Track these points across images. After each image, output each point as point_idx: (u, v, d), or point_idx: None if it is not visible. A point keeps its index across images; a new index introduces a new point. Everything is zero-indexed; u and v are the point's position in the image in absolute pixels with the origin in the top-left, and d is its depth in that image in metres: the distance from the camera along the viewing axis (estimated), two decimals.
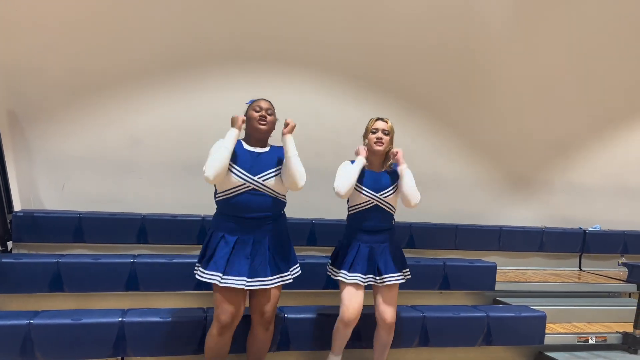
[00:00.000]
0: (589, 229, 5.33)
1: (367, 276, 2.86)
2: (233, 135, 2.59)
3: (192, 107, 4.24)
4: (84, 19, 3.99)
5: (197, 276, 2.63)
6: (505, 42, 5.10)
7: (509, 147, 5.18)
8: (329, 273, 3.04)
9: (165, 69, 4.19)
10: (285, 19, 4.42)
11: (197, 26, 4.24)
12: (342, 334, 2.95)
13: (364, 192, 2.86)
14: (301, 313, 3.22)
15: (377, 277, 2.89)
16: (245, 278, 2.55)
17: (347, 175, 2.78)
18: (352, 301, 2.85)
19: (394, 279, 2.89)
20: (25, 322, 2.70)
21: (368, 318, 3.01)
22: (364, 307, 3.21)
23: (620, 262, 5.09)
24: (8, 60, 3.86)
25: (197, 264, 2.70)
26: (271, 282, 2.64)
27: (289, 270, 2.75)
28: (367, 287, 2.94)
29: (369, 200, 2.86)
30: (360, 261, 2.86)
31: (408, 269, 3.02)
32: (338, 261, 2.95)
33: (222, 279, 2.54)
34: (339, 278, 2.90)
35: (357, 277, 2.84)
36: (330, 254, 3.09)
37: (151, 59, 4.16)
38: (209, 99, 4.24)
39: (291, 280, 2.75)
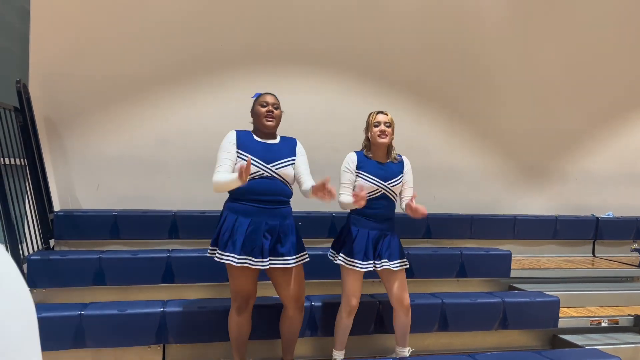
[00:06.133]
0: (602, 216, 5.42)
1: (367, 262, 2.91)
2: (233, 182, 2.63)
3: (215, 108, 4.44)
4: (111, 27, 4.20)
5: (215, 258, 2.74)
6: (512, 35, 5.22)
7: (521, 138, 5.30)
8: (330, 257, 3.09)
9: (188, 72, 4.41)
10: (301, 21, 4.61)
11: (218, 31, 4.44)
12: (344, 325, 3.04)
13: (372, 180, 2.94)
14: (327, 300, 3.41)
15: (381, 262, 2.92)
16: (260, 258, 2.69)
17: (348, 204, 2.88)
18: (354, 289, 2.94)
19: (401, 264, 2.97)
20: (77, 313, 2.95)
21: (387, 304, 3.18)
22: (380, 294, 3.39)
23: (632, 247, 5.18)
24: (42, 68, 4.09)
25: (210, 247, 2.82)
26: (290, 261, 2.75)
27: (298, 254, 2.82)
28: (368, 275, 3.02)
29: (377, 189, 2.94)
30: (361, 247, 2.91)
31: (405, 259, 3.05)
32: (339, 245, 3.02)
33: (237, 259, 2.66)
34: (339, 261, 2.97)
35: (356, 263, 2.90)
36: None
37: (176, 63, 4.37)
38: (230, 99, 4.42)
39: (303, 262, 2.85)
